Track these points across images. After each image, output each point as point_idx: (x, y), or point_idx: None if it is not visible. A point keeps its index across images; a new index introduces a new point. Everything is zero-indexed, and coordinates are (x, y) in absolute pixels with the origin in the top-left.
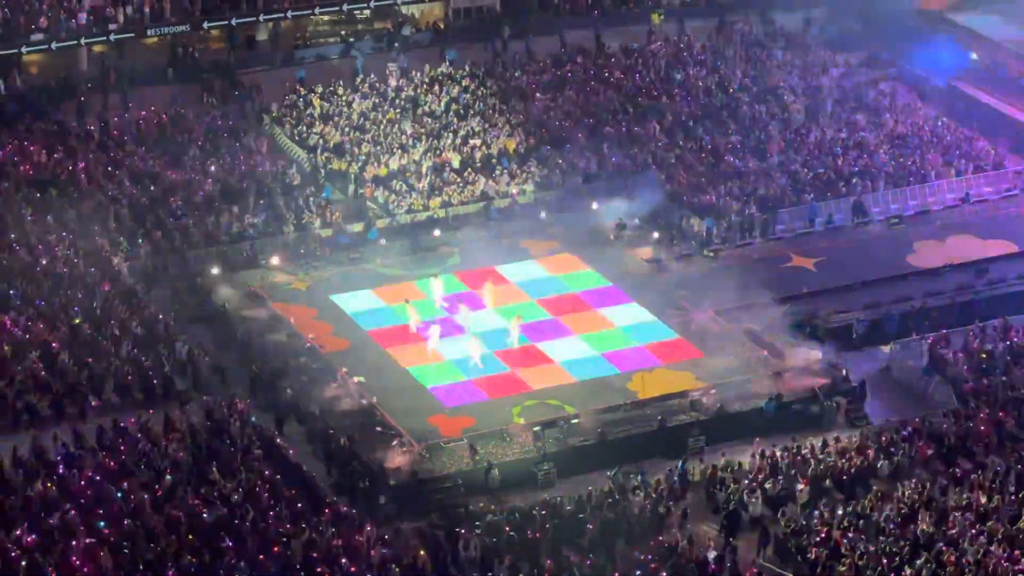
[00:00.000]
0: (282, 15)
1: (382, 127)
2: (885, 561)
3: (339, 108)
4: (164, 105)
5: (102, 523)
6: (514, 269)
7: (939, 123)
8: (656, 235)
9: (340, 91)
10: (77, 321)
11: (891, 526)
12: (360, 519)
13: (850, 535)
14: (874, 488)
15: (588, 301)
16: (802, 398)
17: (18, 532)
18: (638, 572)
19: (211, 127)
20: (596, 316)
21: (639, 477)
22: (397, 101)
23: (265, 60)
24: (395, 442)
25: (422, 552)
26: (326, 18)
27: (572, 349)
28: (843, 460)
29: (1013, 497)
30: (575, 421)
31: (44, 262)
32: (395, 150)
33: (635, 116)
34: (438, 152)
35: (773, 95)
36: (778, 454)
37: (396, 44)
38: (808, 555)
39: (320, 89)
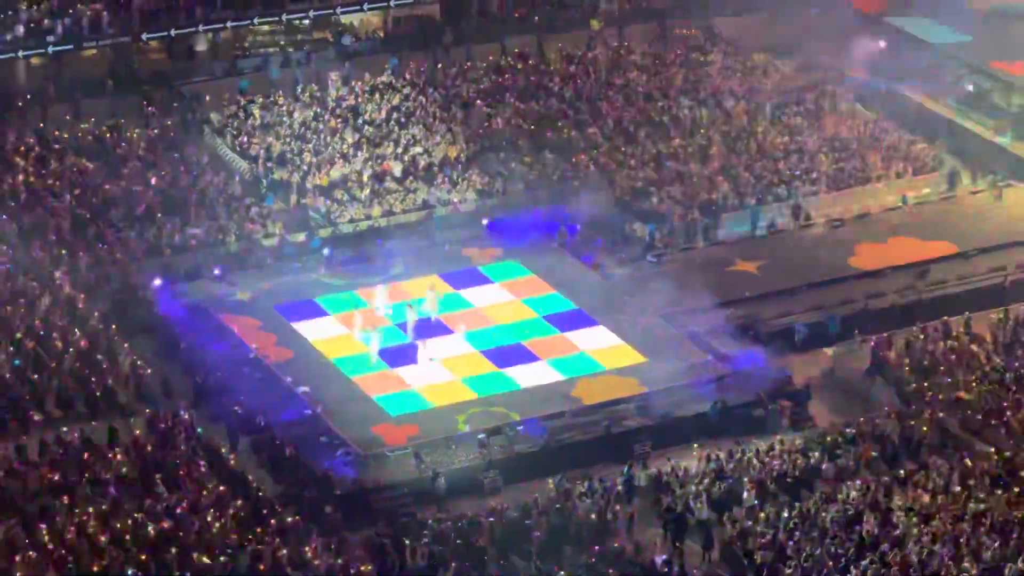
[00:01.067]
0: (221, 26)
1: (323, 136)
2: (831, 563)
3: (280, 118)
4: (104, 117)
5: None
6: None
7: (878, 126)
8: (599, 241)
9: (280, 100)
10: (18, 335)
11: (836, 528)
12: (306, 529)
13: (796, 537)
14: (819, 490)
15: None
16: (746, 402)
17: None
18: None
19: (151, 138)
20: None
21: (585, 483)
22: (338, 111)
23: (205, 71)
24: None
25: (367, 565)
26: (266, 28)
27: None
28: (788, 463)
29: (956, 497)
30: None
31: None
32: (336, 159)
33: (576, 122)
34: (380, 161)
35: (713, 100)
36: (723, 458)
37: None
38: (754, 558)
39: (260, 100)
